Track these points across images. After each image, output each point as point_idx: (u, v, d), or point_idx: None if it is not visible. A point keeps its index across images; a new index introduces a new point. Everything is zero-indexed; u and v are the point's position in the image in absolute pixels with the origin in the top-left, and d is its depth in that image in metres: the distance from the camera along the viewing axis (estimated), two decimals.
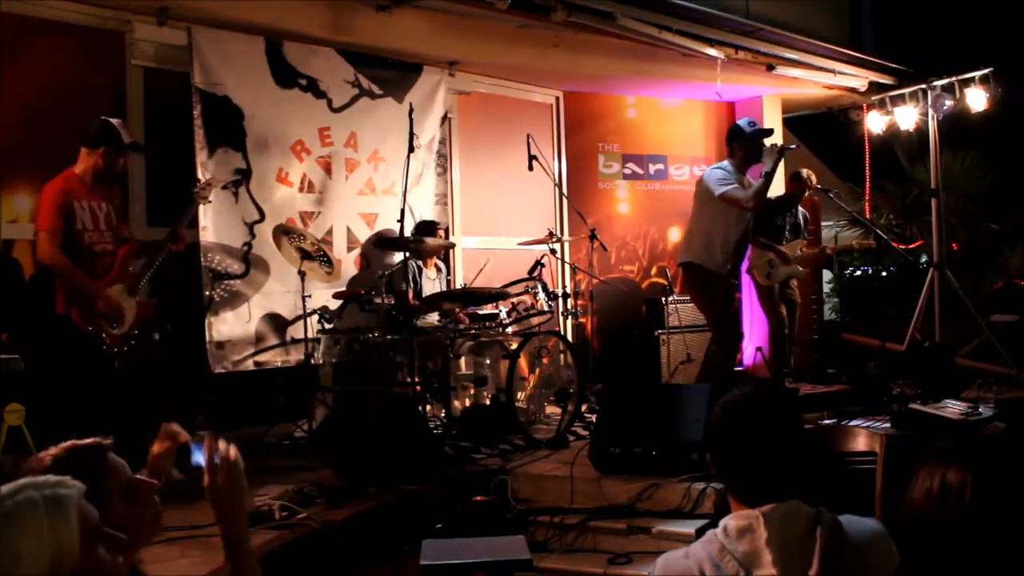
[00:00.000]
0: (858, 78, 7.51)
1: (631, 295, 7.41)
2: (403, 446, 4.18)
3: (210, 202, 4.80)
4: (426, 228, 5.92)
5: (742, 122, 5.31)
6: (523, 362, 5.32)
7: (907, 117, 7.33)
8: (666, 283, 7.18)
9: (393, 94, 6.16)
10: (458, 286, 6.38)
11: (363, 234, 6.05)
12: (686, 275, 5.46)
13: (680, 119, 8.02)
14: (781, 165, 5.37)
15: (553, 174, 6.86)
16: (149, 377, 4.13)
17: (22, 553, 1.15)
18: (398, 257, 5.88)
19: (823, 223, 8.96)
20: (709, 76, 6.67)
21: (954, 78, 7.02)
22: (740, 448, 1.62)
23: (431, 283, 5.91)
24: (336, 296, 5.57)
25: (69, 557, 1.18)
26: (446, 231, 6.42)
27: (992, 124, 7.43)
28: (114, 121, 4.13)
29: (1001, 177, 8.80)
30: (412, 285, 5.70)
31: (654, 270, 7.67)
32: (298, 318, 5.46)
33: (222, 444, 1.73)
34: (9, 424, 3.79)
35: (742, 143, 5.18)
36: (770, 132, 5.32)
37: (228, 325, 5.35)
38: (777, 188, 7.65)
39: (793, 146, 5.75)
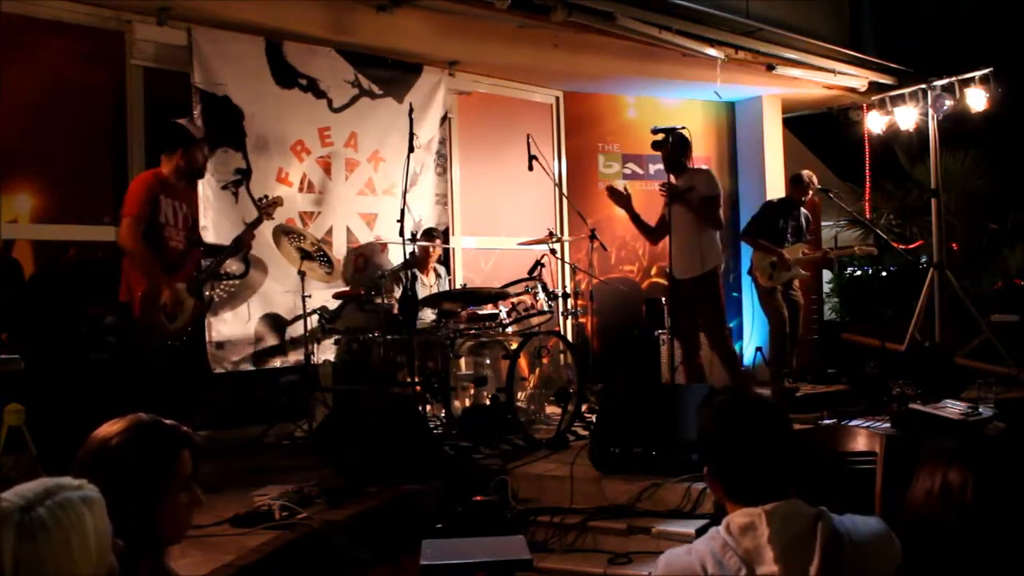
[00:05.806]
0: (858, 78, 7.51)
1: (631, 295, 7.40)
2: (403, 446, 4.17)
3: (273, 219, 4.91)
4: (424, 237, 5.91)
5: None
6: (523, 362, 5.32)
7: (907, 117, 7.33)
8: None
9: (393, 94, 6.15)
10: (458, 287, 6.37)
11: (363, 234, 6.05)
12: None
13: (680, 119, 7.98)
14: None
15: (553, 174, 6.86)
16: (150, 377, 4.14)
17: (74, 551, 1.17)
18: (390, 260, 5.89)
19: (823, 223, 8.96)
20: (709, 76, 6.67)
21: (954, 78, 7.03)
22: (741, 452, 1.63)
23: (428, 290, 5.88)
24: (336, 296, 5.57)
25: (107, 554, 1.22)
26: (445, 233, 6.41)
27: (992, 124, 7.43)
28: (181, 121, 4.31)
29: (1001, 177, 8.81)
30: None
31: (654, 270, 7.67)
32: (298, 318, 5.46)
33: None
34: (9, 424, 3.79)
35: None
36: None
37: (228, 325, 5.36)
38: (777, 190, 7.67)
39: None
